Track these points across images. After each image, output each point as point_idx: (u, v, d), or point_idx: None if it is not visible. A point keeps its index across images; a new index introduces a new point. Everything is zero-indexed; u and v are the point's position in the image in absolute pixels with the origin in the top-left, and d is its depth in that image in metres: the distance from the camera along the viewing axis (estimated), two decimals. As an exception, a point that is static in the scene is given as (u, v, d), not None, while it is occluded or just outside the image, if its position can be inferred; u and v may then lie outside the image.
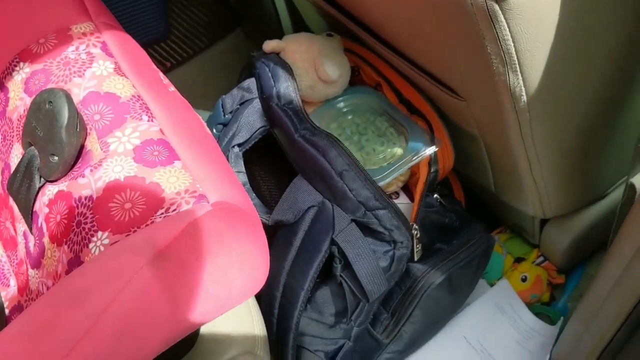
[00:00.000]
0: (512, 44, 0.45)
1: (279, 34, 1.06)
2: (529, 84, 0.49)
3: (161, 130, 0.53)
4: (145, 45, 0.61)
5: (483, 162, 0.71)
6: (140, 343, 0.36)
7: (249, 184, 0.70)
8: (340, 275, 0.64)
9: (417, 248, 0.65)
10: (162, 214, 0.46)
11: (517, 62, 0.47)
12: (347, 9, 0.69)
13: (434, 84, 0.61)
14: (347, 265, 0.63)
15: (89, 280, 0.37)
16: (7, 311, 0.59)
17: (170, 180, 0.49)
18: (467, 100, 0.58)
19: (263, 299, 0.68)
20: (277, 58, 0.68)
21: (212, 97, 0.80)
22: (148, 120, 0.54)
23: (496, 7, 0.42)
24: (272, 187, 0.77)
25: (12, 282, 0.61)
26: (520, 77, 0.48)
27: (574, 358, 0.65)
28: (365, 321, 0.73)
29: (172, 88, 0.61)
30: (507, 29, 0.44)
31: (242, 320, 0.63)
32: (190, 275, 0.38)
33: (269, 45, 0.70)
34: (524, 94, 0.50)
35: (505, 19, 0.43)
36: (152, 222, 0.45)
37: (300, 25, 1.00)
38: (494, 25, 0.43)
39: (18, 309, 0.58)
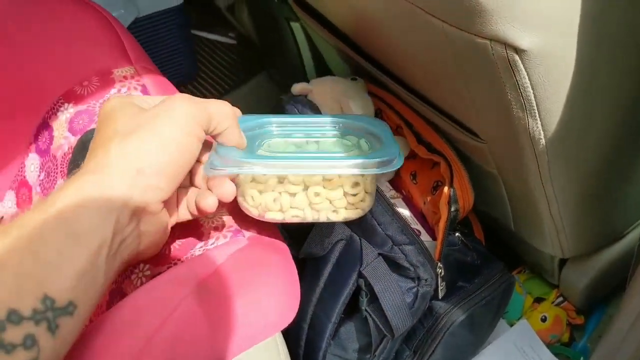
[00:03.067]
0: (532, 91, 0.48)
1: (303, 78, 1.11)
2: (548, 128, 0.52)
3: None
4: (175, 86, 0.65)
5: (503, 200, 0.73)
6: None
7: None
8: (366, 310, 0.66)
9: (441, 286, 0.66)
10: (202, 247, 0.49)
11: (536, 108, 0.49)
12: (369, 53, 0.73)
13: (454, 126, 0.64)
14: (373, 300, 0.65)
15: (138, 308, 0.39)
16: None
17: (208, 216, 0.52)
18: (487, 143, 0.61)
19: (290, 330, 0.69)
20: (305, 100, 0.72)
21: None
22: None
23: (517, 57, 0.44)
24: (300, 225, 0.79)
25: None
26: (539, 122, 0.51)
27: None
28: (388, 358, 0.74)
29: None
30: (527, 78, 0.46)
31: (269, 352, 0.64)
32: (229, 305, 0.40)
33: (297, 87, 0.73)
34: (542, 137, 0.53)
35: (525, 68, 0.45)
36: (192, 255, 0.48)
37: (323, 70, 1.04)
38: (515, 74, 0.46)
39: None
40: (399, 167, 0.48)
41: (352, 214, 0.50)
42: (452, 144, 0.69)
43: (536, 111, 0.50)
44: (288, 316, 0.47)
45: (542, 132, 0.52)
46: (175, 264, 0.47)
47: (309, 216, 0.49)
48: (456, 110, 0.61)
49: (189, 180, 0.49)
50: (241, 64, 1.32)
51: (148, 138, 0.42)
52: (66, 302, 0.36)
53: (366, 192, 0.50)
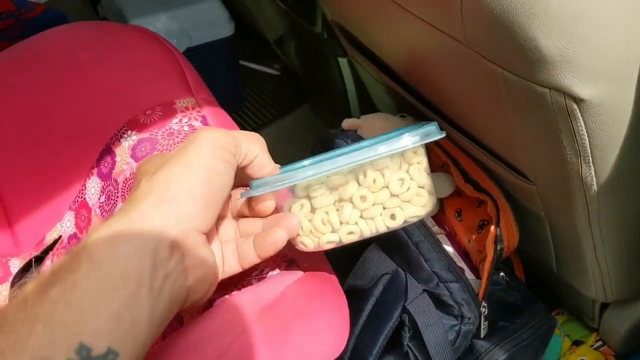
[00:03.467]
0: (587, 139, 0.49)
1: (346, 112, 1.13)
2: (601, 175, 0.52)
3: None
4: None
5: (547, 242, 0.74)
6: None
7: (320, 252, 0.74)
8: (408, 345, 0.66)
9: (484, 325, 0.67)
10: (257, 275, 0.50)
11: (590, 154, 0.50)
12: (418, 91, 0.74)
13: (503, 167, 0.65)
14: (415, 336, 0.66)
15: (204, 333, 0.41)
16: None
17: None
18: (535, 185, 0.62)
19: (330, 364, 0.70)
20: (355, 134, 0.74)
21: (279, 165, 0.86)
22: (244, 188, 0.59)
23: (575, 106, 0.46)
24: (341, 257, 0.80)
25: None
26: (593, 169, 0.52)
27: None
28: (425, 395, 0.74)
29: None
30: (584, 126, 0.47)
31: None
32: (289, 334, 0.42)
33: (348, 122, 0.76)
34: (594, 183, 0.53)
35: (583, 116, 0.47)
36: (248, 283, 0.49)
37: (367, 105, 1.06)
38: (572, 122, 0.47)
39: None
40: (443, 135, 0.45)
41: (412, 213, 0.45)
42: (499, 183, 0.70)
43: (590, 158, 0.51)
44: (339, 347, 0.48)
45: (594, 179, 0.53)
46: (232, 290, 0.49)
47: (365, 229, 0.46)
48: (506, 151, 0.63)
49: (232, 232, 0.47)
50: (285, 95, 1.35)
51: (175, 168, 0.40)
52: (104, 349, 0.33)
53: (420, 187, 0.46)
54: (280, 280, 0.47)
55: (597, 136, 0.48)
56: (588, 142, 0.49)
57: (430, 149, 0.77)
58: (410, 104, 0.77)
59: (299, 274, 0.49)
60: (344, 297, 0.52)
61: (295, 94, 1.32)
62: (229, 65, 1.24)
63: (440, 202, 0.80)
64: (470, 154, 0.72)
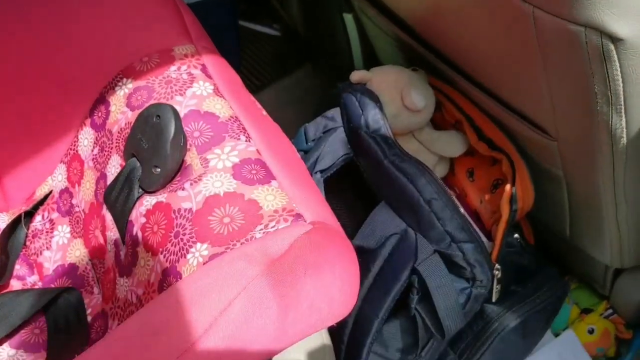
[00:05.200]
0: (622, 85, 0.45)
1: (350, 69, 1.09)
2: (632, 126, 0.49)
3: (257, 151, 0.55)
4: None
5: (562, 204, 0.70)
6: (249, 350, 0.36)
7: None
8: (415, 308, 0.63)
9: (497, 289, 0.64)
10: (262, 229, 0.47)
11: (622, 103, 0.47)
12: (431, 43, 0.70)
13: (521, 122, 0.62)
14: (424, 298, 0.63)
15: (206, 284, 0.37)
16: (89, 317, 0.60)
17: (268, 199, 0.50)
18: (557, 140, 0.58)
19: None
20: (364, 88, 0.70)
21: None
22: (245, 141, 0.55)
23: (611, 46, 0.42)
24: (345, 219, 0.77)
25: (97, 289, 0.62)
26: (624, 119, 0.48)
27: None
28: (431, 360, 0.71)
29: (265, 112, 0.63)
30: (619, 69, 0.44)
31: (315, 346, 0.63)
32: (299, 287, 0.39)
33: (357, 75, 0.72)
34: (624, 135, 0.50)
35: (619, 58, 0.43)
36: (252, 237, 0.46)
37: (372, 62, 1.02)
38: (606, 65, 0.44)
39: (102, 316, 0.59)
40: None
41: None
42: (515, 142, 0.67)
43: (622, 107, 0.47)
44: (350, 303, 0.45)
45: (624, 130, 0.49)
46: (235, 245, 0.46)
47: None
48: (527, 104, 0.59)
49: None
50: (285, 56, 1.31)
51: None
52: None
53: None
54: (288, 233, 0.44)
55: (632, 82, 0.45)
56: (622, 89, 0.45)
57: (443, 105, 0.74)
58: (423, 57, 0.73)
59: (308, 226, 0.46)
60: (354, 253, 0.49)
61: (296, 54, 1.27)
62: (229, 25, 1.19)
63: (451, 162, 0.77)
64: (485, 109, 0.68)
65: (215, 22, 1.18)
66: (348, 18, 1.00)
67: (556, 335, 0.87)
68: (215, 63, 0.63)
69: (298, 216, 0.48)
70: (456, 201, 0.73)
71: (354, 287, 0.44)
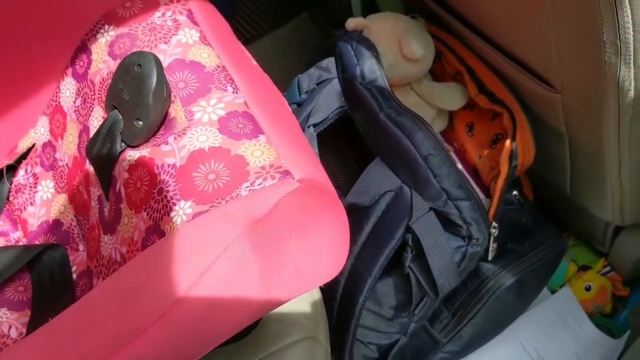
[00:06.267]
0: (632, 34, 0.42)
1: (348, 17, 1.04)
2: (640, 78, 0.46)
3: (245, 103, 0.52)
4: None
5: (563, 161, 0.68)
6: (230, 313, 0.35)
7: (319, 167, 0.69)
8: (409, 266, 0.62)
9: (493, 247, 0.62)
10: (248, 187, 0.45)
11: (632, 53, 0.44)
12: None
13: (525, 74, 0.59)
14: (418, 256, 0.61)
15: (186, 245, 0.36)
16: (74, 275, 0.59)
17: (255, 154, 0.47)
18: (561, 93, 0.56)
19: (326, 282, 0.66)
20: (360, 36, 0.66)
21: (275, 80, 0.80)
22: (233, 92, 0.52)
23: (624, -9, 0.39)
24: (339, 175, 0.75)
25: (82, 247, 0.61)
26: (633, 71, 0.45)
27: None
28: (424, 318, 0.71)
29: (254, 62, 0.60)
30: (630, 17, 0.41)
31: (306, 303, 0.61)
32: (283, 249, 0.37)
33: (353, 22, 0.68)
34: (632, 88, 0.47)
35: (631, 5, 0.40)
36: (238, 195, 0.44)
37: (370, 10, 0.98)
38: (617, 11, 0.41)
39: (87, 274, 0.58)
40: None
41: None
42: (517, 95, 0.64)
43: (631, 58, 0.44)
44: (338, 265, 0.43)
45: (632, 83, 0.47)
46: (219, 203, 0.43)
47: None
48: (531, 55, 0.56)
49: None
50: (280, 4, 1.26)
51: None
52: None
53: None
54: (273, 191, 0.42)
55: (644, 31, 0.42)
56: (632, 37, 0.42)
57: (443, 56, 0.70)
58: (423, 3, 0.69)
59: (295, 184, 0.43)
60: (344, 213, 0.46)
61: (293, 3, 1.23)
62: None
63: (450, 116, 0.74)
64: (487, 61, 0.65)
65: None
66: (346, -37, 0.95)
67: (553, 292, 0.87)
68: (202, 9, 0.60)
69: (286, 173, 0.46)
70: (454, 157, 0.71)
71: (343, 249, 0.43)
